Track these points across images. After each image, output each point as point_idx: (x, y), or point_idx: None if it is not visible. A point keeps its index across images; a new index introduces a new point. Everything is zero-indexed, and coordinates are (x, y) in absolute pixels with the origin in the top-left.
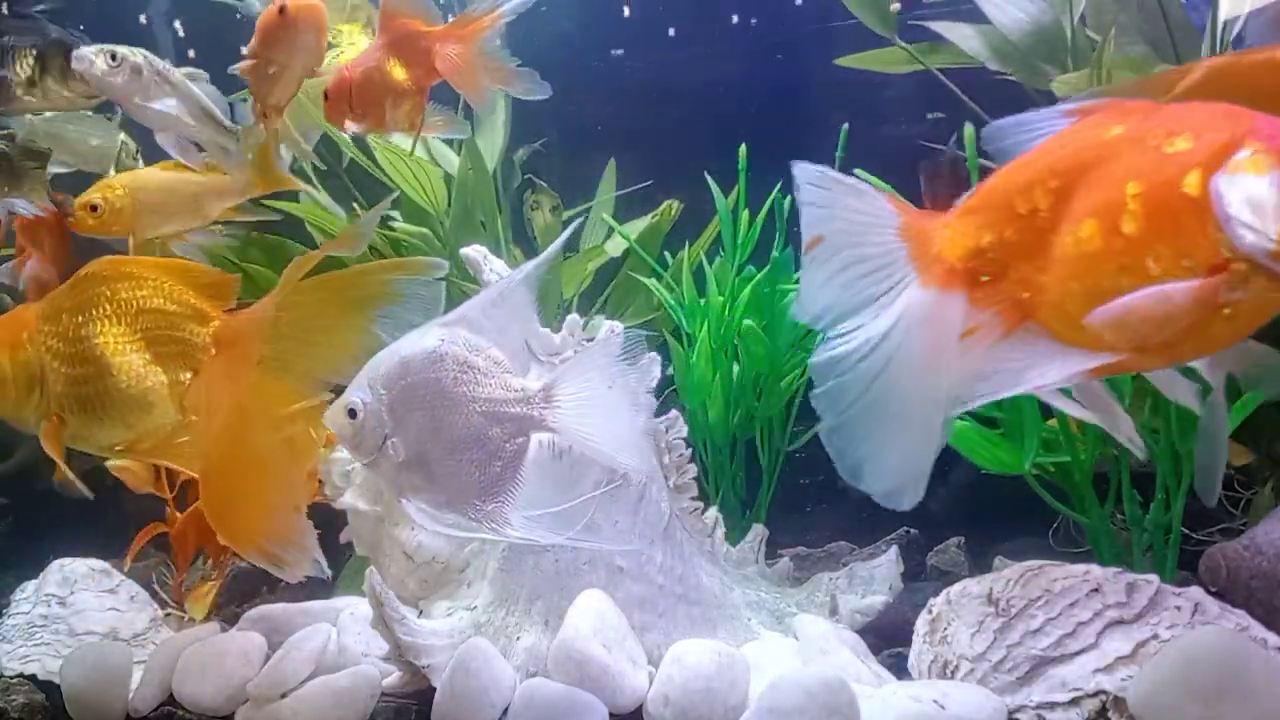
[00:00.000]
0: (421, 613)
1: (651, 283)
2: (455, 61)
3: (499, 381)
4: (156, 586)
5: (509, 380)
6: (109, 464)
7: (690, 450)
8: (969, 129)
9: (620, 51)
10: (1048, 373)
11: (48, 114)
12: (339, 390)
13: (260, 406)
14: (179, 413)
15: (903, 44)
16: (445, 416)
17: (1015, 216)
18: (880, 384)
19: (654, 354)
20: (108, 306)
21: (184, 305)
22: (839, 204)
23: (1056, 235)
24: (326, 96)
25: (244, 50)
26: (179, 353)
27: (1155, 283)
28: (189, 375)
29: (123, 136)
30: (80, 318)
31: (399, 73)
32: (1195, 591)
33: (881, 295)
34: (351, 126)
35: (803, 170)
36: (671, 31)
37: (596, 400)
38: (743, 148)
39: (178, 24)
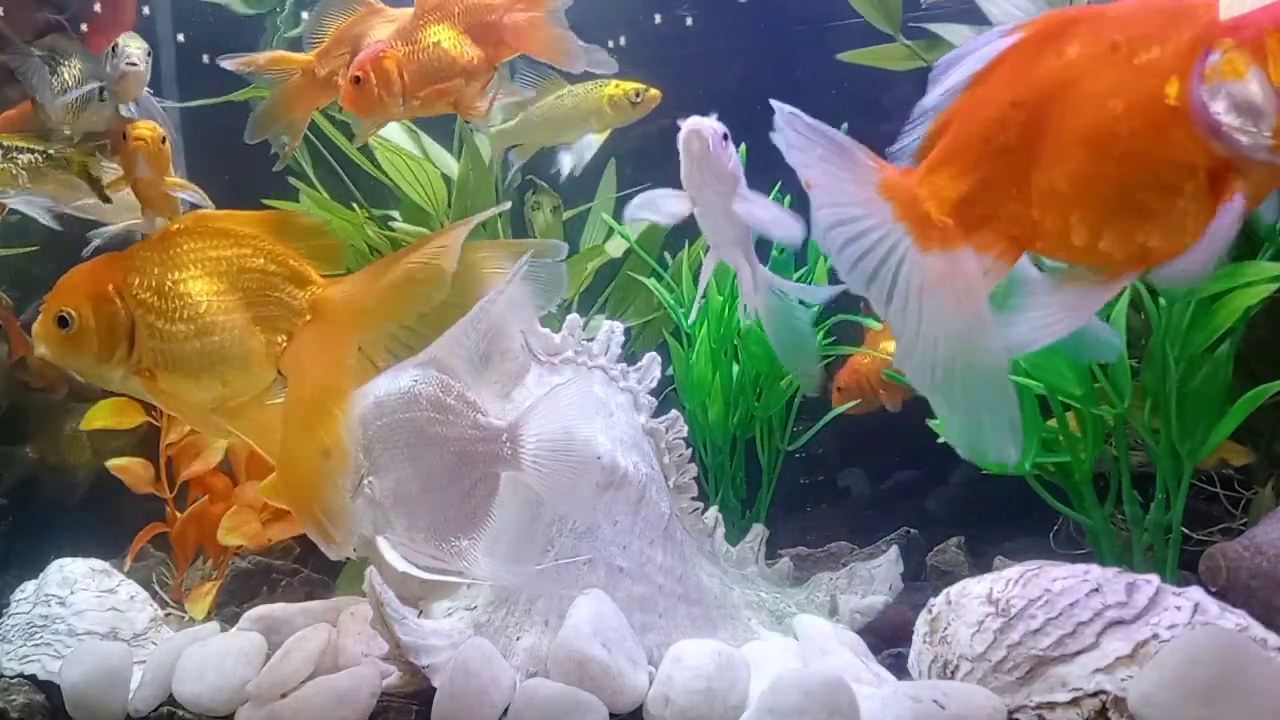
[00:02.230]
0: (421, 613)
1: (651, 282)
2: (533, 33)
3: (470, 420)
4: (156, 586)
5: (479, 419)
6: (109, 464)
7: (690, 450)
8: None
9: (622, 39)
10: (1078, 314)
11: None
12: None
13: (344, 379)
14: (273, 375)
15: (905, 41)
16: (421, 456)
17: (990, 156)
18: (938, 362)
19: (654, 354)
20: (207, 263)
21: (284, 266)
22: (818, 155)
23: (1041, 168)
24: (358, 80)
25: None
26: (276, 315)
27: (1157, 199)
28: (284, 339)
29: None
30: (177, 273)
31: (468, 48)
32: (1195, 591)
33: (879, 265)
34: (379, 113)
35: (782, 113)
36: (671, 31)
37: (559, 443)
38: (743, 147)
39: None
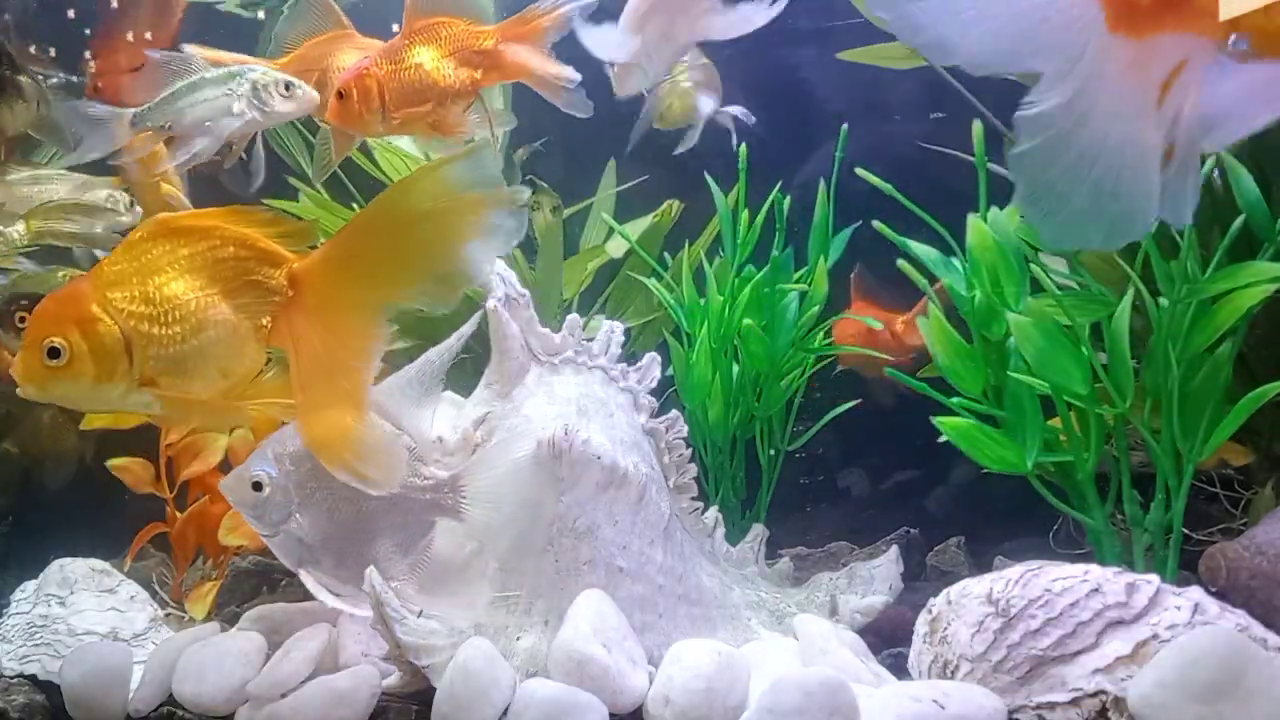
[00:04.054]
0: (421, 613)
1: (651, 282)
2: (522, 67)
3: (410, 469)
4: (156, 586)
5: (418, 467)
6: (109, 464)
7: (690, 450)
8: (977, 126)
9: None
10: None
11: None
12: None
13: (343, 340)
14: (264, 355)
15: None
16: (352, 498)
17: None
18: (1084, 143)
19: (654, 354)
20: (181, 262)
21: (253, 250)
22: None
23: None
24: (340, 95)
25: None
26: (258, 297)
27: None
28: (268, 320)
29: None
30: (157, 278)
31: (451, 73)
32: (1195, 591)
33: (1055, 37)
34: (360, 129)
35: None
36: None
37: (502, 498)
38: (743, 147)
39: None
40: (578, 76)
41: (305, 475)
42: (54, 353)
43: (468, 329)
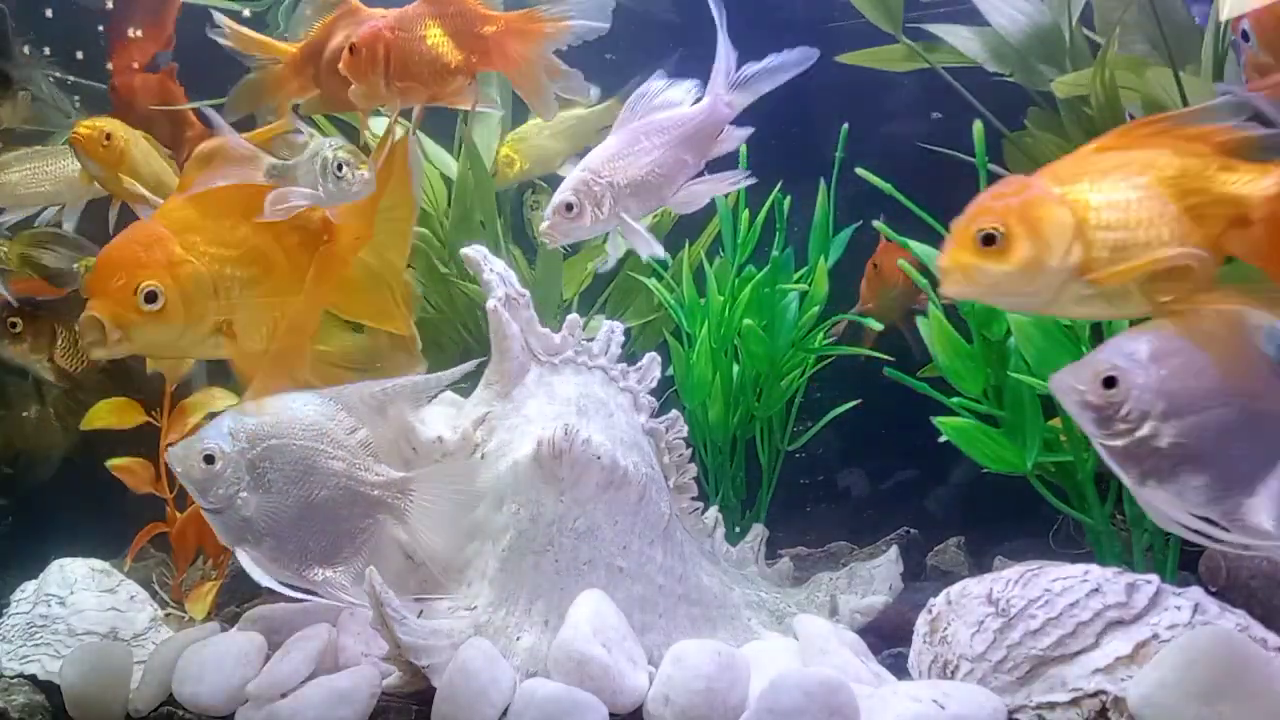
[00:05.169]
0: (421, 613)
1: (651, 282)
2: (517, 60)
3: (363, 464)
4: (156, 586)
5: (372, 464)
6: (109, 464)
7: (690, 450)
8: (978, 126)
9: (611, 58)
10: None
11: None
12: None
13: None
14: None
15: (906, 40)
16: (304, 484)
17: None
18: None
19: (654, 354)
20: (237, 206)
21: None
22: None
23: None
24: (352, 50)
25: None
26: (304, 239)
27: None
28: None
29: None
30: (224, 222)
31: (449, 50)
32: (1195, 591)
33: None
34: (366, 92)
35: None
36: (670, 29)
37: (444, 508)
38: (743, 147)
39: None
40: (563, 68)
41: (260, 455)
42: (151, 297)
43: (456, 374)
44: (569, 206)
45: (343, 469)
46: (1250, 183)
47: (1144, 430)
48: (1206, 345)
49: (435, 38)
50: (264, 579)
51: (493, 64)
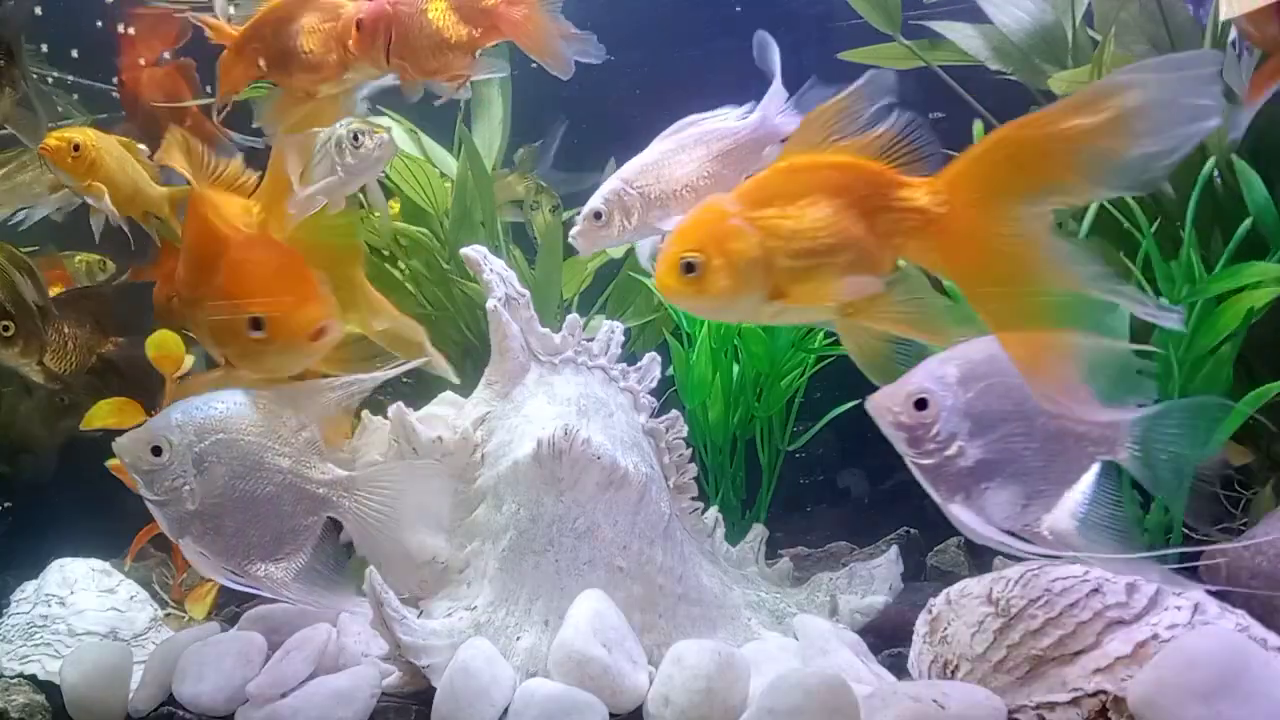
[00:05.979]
0: (421, 613)
1: (651, 283)
2: (523, 24)
3: (308, 461)
4: (156, 586)
5: (318, 462)
6: (109, 464)
7: (690, 450)
8: (978, 126)
9: (612, 58)
10: None
11: None
12: None
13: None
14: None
15: (904, 40)
16: (249, 478)
17: None
18: None
19: (654, 354)
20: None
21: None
22: None
23: None
24: (359, 26)
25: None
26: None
27: None
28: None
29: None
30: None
31: (453, 27)
32: (1195, 591)
33: None
34: (371, 62)
35: None
36: (669, 29)
37: (387, 508)
38: None
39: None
40: (574, 32)
41: (206, 449)
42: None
43: (392, 372)
44: (598, 215)
45: (289, 465)
46: (923, 195)
47: (951, 450)
48: (1019, 363)
49: (438, 13)
50: (208, 571)
51: (500, 35)
